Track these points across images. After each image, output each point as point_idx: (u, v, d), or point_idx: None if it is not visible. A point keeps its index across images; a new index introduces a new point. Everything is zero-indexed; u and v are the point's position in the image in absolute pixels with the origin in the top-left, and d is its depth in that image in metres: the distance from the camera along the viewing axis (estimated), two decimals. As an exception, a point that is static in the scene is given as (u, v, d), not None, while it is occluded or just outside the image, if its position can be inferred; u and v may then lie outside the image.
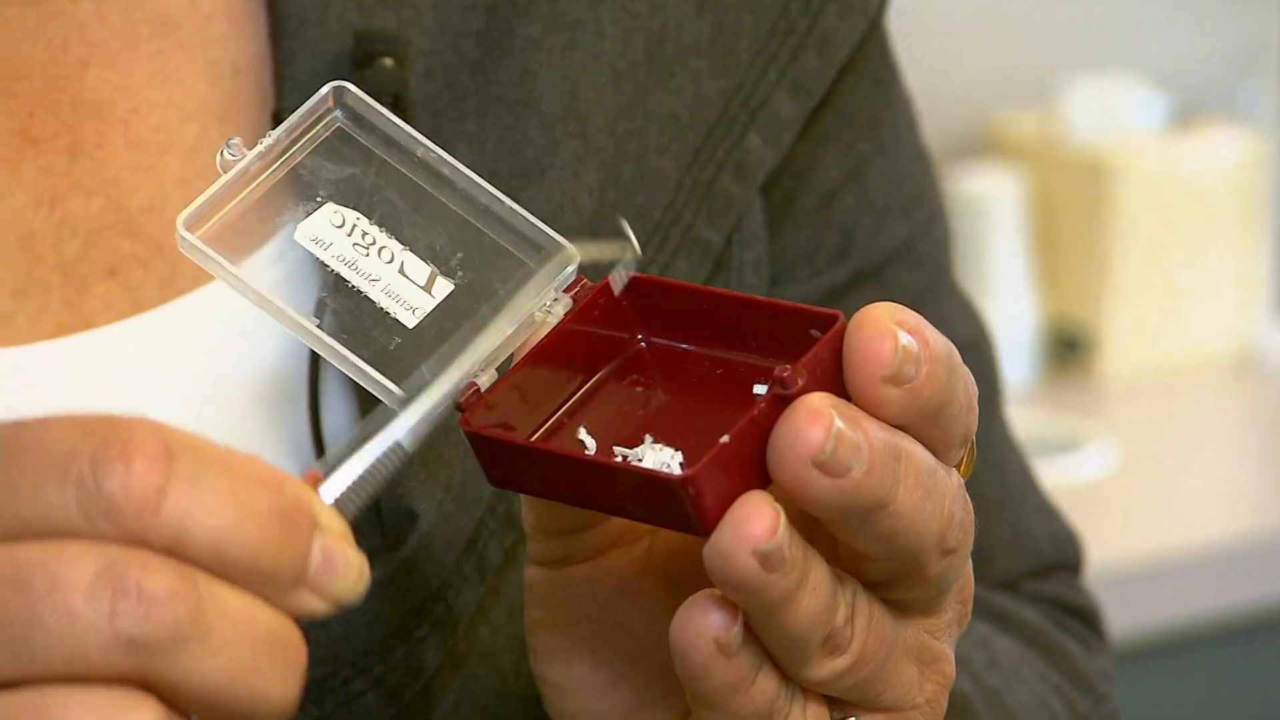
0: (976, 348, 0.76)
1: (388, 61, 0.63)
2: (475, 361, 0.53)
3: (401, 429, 0.49)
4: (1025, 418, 2.10)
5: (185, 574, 0.42)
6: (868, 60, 0.73)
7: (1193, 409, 2.07)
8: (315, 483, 0.48)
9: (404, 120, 0.57)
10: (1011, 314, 2.08)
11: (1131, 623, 1.78)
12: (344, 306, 0.54)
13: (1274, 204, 2.17)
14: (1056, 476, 1.97)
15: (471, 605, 0.63)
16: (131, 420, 0.44)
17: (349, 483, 0.48)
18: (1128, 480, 1.94)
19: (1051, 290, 2.14)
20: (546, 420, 0.52)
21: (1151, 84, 2.22)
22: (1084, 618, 0.79)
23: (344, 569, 0.44)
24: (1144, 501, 1.95)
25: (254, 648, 0.43)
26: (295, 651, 0.44)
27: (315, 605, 0.45)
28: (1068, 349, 2.12)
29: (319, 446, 0.62)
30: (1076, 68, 2.24)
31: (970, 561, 0.53)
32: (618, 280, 0.53)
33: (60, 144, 0.63)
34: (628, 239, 0.53)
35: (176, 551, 0.43)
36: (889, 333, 0.46)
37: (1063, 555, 0.80)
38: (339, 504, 0.48)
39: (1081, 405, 2.05)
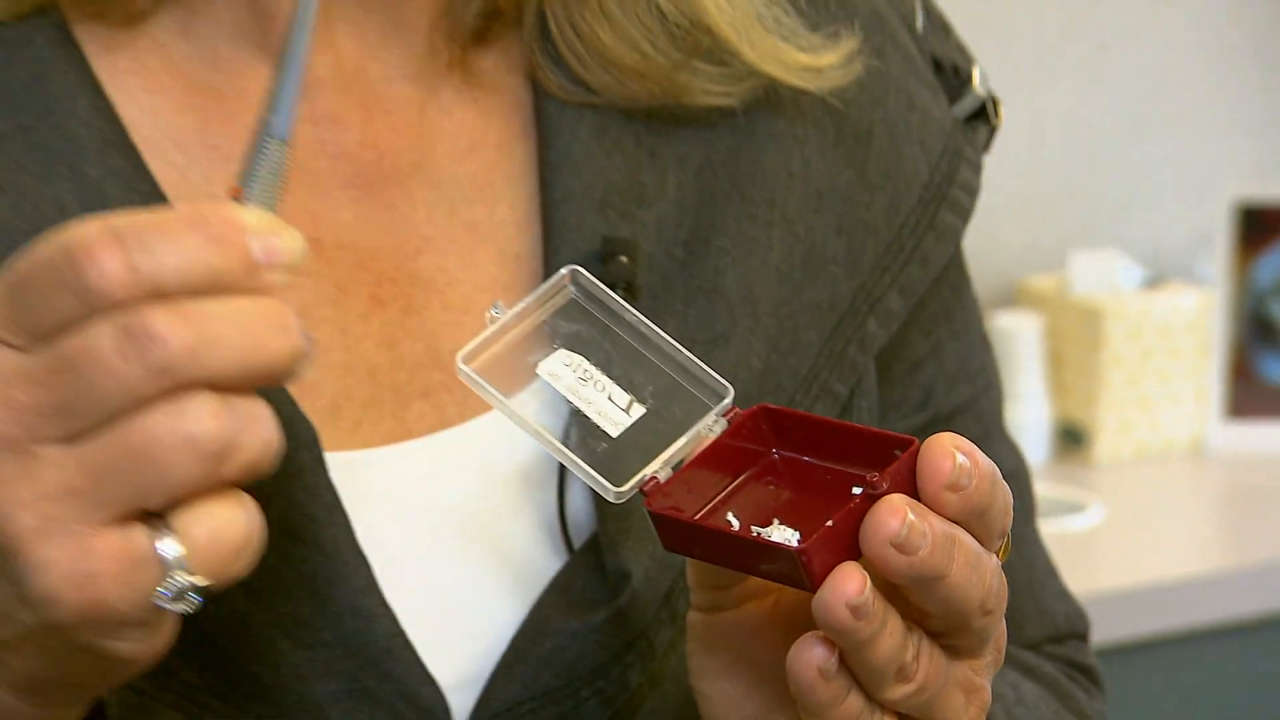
0: (1017, 477, 0.79)
1: (624, 259, 0.67)
2: (654, 459, 0.56)
3: (278, 126, 0.52)
4: (1041, 488, 1.99)
5: (174, 308, 0.47)
6: (950, 272, 0.77)
7: (1159, 484, 2.10)
8: (236, 194, 0.52)
9: (632, 299, 0.65)
10: (1032, 415, 2.12)
11: (1114, 633, 1.78)
12: (570, 423, 0.60)
13: (1219, 342, 2.15)
14: (1063, 530, 1.94)
15: (665, 642, 0.66)
16: (81, 227, 0.48)
17: (258, 188, 0.52)
18: (1112, 532, 1.99)
19: (1059, 399, 2.17)
20: (705, 505, 0.56)
21: (1132, 258, 2.23)
22: (1088, 673, 0.82)
23: (281, 246, 0.49)
24: (1123, 548, 1.98)
25: (249, 330, 0.48)
26: (282, 316, 0.49)
27: (278, 277, 0.49)
28: (1071, 440, 2.15)
29: (563, 520, 0.67)
30: (1080, 245, 2.27)
31: (1004, 622, 0.56)
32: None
33: (398, 305, 0.68)
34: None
35: (161, 295, 0.47)
36: (950, 454, 0.52)
37: (1074, 627, 0.83)
38: (259, 202, 0.52)
39: (1080, 479, 2.09)
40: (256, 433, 0.48)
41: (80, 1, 0.66)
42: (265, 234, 0.49)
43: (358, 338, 0.68)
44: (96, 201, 0.64)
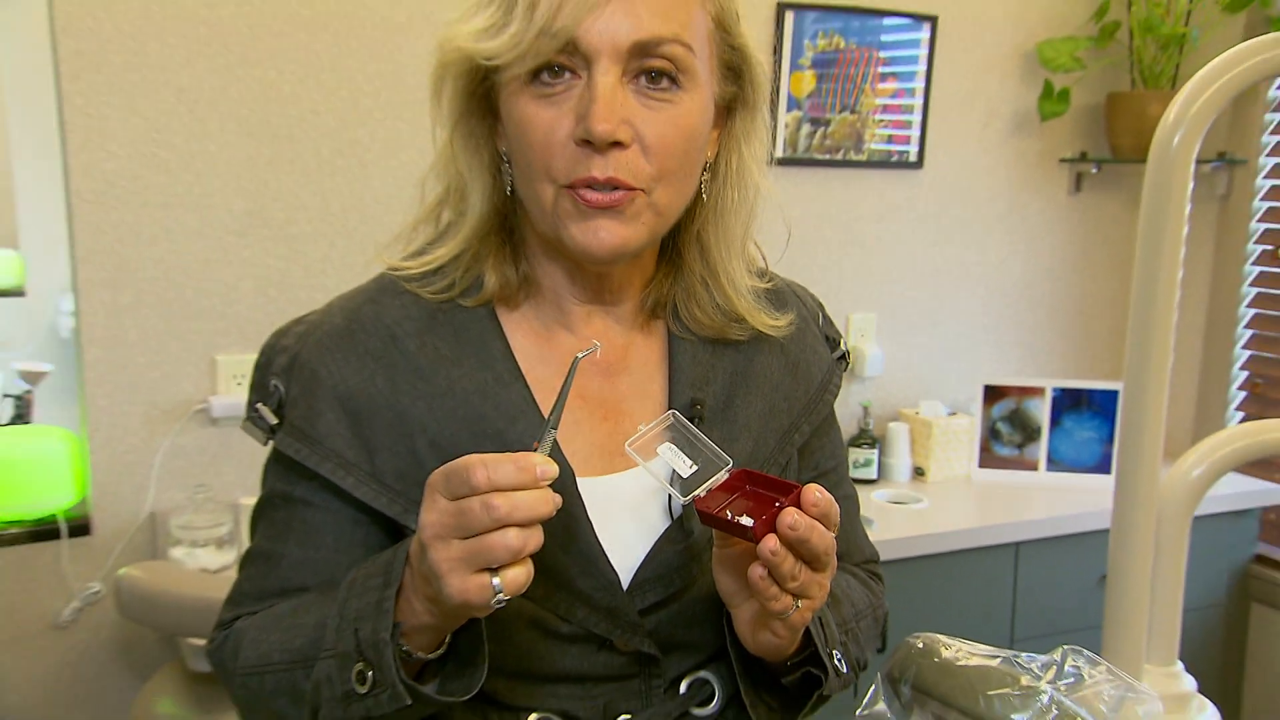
0: (851, 498, 0.97)
1: (699, 406, 0.85)
2: (699, 487, 0.73)
3: (554, 423, 0.71)
4: (903, 492, 2.68)
5: (504, 495, 0.62)
6: (829, 418, 0.96)
7: (952, 491, 2.64)
8: (536, 447, 0.70)
9: (701, 422, 0.86)
10: (902, 462, 2.74)
11: (930, 551, 2.34)
12: (670, 471, 0.77)
13: (977, 438, 2.80)
14: (911, 510, 2.51)
15: (708, 559, 0.81)
16: (469, 459, 0.63)
17: (544, 446, 0.70)
18: (933, 511, 2.56)
19: (915, 456, 2.83)
20: (718, 507, 0.71)
21: (944, 404, 2.88)
22: (878, 577, 0.98)
23: (550, 470, 0.68)
24: (937, 517, 2.53)
25: (534, 505, 0.67)
26: (549, 497, 0.66)
27: (549, 481, 0.67)
28: (918, 473, 2.75)
29: (670, 508, 0.84)
30: (923, 398, 2.99)
31: (837, 558, 0.73)
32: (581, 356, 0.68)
33: (614, 421, 0.87)
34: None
35: (499, 488, 0.66)
36: (813, 492, 0.68)
37: (874, 558, 0.99)
38: (543, 451, 0.70)
39: (921, 489, 2.67)
40: (534, 542, 0.63)
41: (500, 298, 0.85)
42: (544, 467, 0.64)
43: (597, 433, 0.85)
44: (501, 382, 0.80)
